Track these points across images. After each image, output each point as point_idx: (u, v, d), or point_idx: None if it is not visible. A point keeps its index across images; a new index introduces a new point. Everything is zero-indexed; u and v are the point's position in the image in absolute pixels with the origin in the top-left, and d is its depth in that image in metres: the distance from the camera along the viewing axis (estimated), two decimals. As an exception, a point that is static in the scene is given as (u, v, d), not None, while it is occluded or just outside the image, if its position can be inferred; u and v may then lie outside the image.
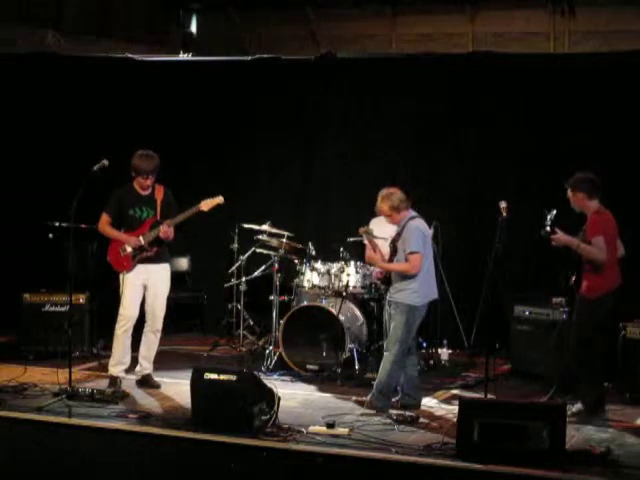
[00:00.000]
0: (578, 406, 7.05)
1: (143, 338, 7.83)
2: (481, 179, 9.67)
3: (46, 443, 6.55)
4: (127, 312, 7.68)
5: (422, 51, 10.80)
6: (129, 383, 7.78)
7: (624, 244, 7.31)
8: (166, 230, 7.63)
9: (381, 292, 8.38)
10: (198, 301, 10.30)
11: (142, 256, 7.69)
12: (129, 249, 7.69)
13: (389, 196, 7.23)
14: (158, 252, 7.73)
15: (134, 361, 7.88)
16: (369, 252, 7.52)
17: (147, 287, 7.75)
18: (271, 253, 9.00)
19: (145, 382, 7.81)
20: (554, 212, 6.98)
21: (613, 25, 13.07)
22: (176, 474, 6.28)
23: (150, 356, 7.85)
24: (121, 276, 7.73)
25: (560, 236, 6.98)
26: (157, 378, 7.91)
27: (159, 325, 7.82)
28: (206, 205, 7.73)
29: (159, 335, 7.86)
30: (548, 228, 6.96)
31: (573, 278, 7.15)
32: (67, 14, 12.51)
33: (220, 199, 7.77)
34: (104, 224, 7.78)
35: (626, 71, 9.02)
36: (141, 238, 7.67)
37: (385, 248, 7.50)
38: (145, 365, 7.84)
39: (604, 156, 8.86)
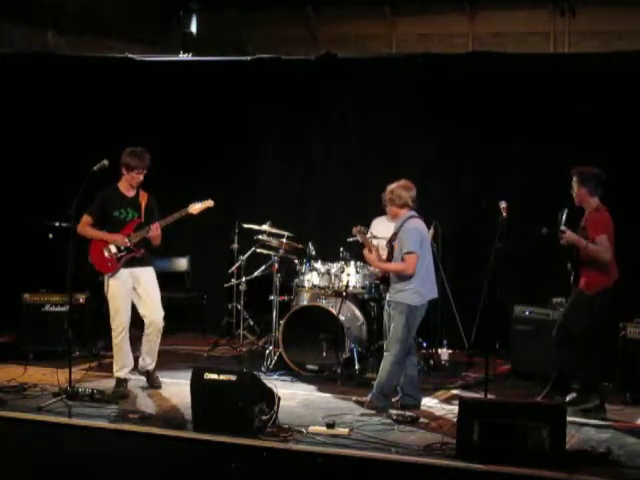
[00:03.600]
0: (572, 395, 7.08)
1: (144, 339, 7.81)
2: (481, 179, 9.68)
3: (46, 443, 6.55)
4: (120, 318, 7.64)
5: (422, 51, 10.78)
6: (130, 383, 7.77)
7: (623, 243, 7.33)
8: (156, 229, 7.58)
9: (381, 292, 8.38)
10: (198, 301, 10.30)
11: (128, 257, 7.64)
12: (114, 249, 7.63)
13: (397, 187, 7.25)
14: (145, 254, 7.70)
15: (135, 360, 7.87)
16: (365, 252, 7.53)
17: (139, 293, 7.69)
18: (271, 253, 9.00)
19: (147, 377, 7.83)
20: (566, 210, 7.02)
21: (613, 25, 13.07)
22: (176, 474, 6.27)
23: (153, 351, 7.81)
24: (105, 279, 7.65)
25: (569, 235, 6.98)
26: (157, 375, 7.90)
27: (160, 326, 7.77)
28: (195, 209, 7.71)
29: (160, 334, 7.82)
30: (563, 227, 6.97)
31: (572, 276, 7.18)
32: (67, 14, 12.50)
33: (210, 203, 7.75)
34: (84, 225, 7.66)
35: (626, 71, 9.02)
36: (126, 239, 7.62)
37: (386, 248, 7.51)
38: (148, 361, 7.82)
39: (604, 156, 8.84)
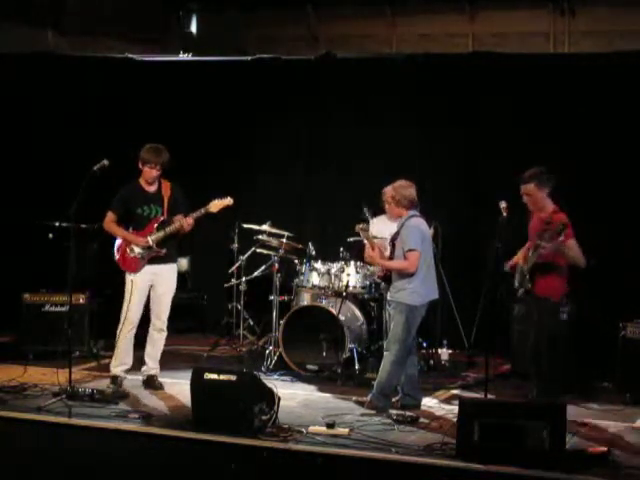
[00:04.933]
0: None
1: (148, 337, 7.84)
2: (481, 179, 9.67)
3: (46, 443, 6.55)
4: (132, 315, 7.66)
5: (422, 51, 10.78)
6: (131, 383, 7.78)
7: (624, 243, 7.32)
8: (190, 223, 7.58)
9: (381, 292, 8.38)
10: (198, 301, 10.30)
11: (151, 256, 7.65)
12: (137, 250, 7.64)
13: (400, 187, 7.26)
14: (167, 253, 7.70)
15: (138, 360, 7.86)
16: (367, 250, 7.52)
17: (153, 287, 7.73)
18: (271, 253, 9.00)
19: (149, 383, 7.80)
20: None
21: (613, 25, 13.07)
22: (176, 474, 6.27)
23: (155, 354, 7.84)
24: (128, 278, 7.68)
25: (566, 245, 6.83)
26: (158, 378, 7.89)
27: (163, 325, 7.81)
28: (215, 206, 7.70)
29: (164, 334, 7.86)
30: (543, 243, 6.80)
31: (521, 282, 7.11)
32: (67, 14, 12.50)
33: (229, 200, 7.74)
34: (109, 222, 7.72)
35: (626, 71, 9.02)
36: (149, 239, 7.63)
37: (386, 248, 7.50)
38: (151, 365, 7.83)
39: (604, 156, 8.87)
